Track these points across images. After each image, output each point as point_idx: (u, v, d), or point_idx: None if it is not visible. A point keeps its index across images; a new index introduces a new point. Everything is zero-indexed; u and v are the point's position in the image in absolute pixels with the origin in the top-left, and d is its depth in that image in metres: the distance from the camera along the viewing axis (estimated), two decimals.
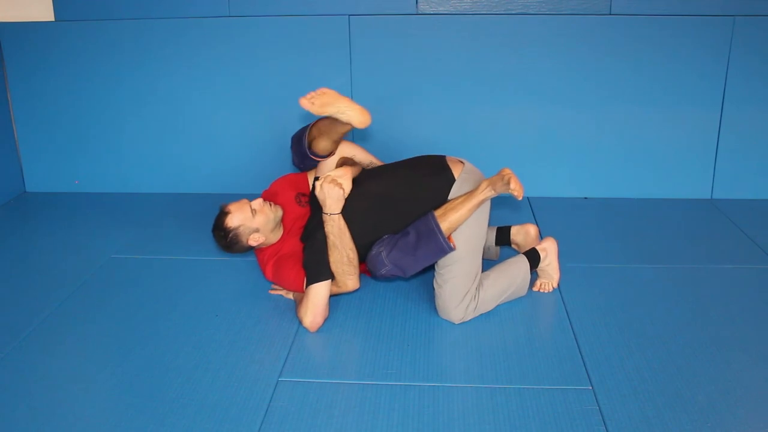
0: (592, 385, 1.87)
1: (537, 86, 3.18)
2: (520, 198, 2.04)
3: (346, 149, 2.40)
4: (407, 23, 3.15)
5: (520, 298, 2.33)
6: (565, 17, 3.09)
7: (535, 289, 2.38)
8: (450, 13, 3.13)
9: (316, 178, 2.21)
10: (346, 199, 2.16)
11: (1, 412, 1.80)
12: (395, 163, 2.38)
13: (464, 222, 2.14)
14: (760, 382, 1.88)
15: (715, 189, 3.27)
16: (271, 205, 2.34)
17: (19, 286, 2.52)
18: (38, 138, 3.46)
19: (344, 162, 2.36)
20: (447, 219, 2.12)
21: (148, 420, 1.76)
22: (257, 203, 2.32)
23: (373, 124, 3.25)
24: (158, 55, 3.27)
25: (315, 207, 2.29)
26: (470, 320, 2.19)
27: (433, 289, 2.22)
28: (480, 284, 2.21)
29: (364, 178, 2.27)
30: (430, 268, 2.25)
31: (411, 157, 2.39)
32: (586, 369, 1.94)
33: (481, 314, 2.22)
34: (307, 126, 2.30)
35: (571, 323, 2.19)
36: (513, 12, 3.11)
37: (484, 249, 2.30)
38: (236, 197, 2.41)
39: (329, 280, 2.16)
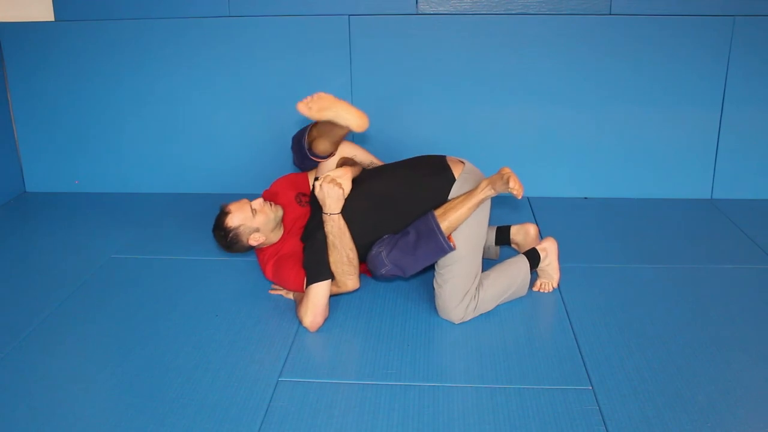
0: (592, 385, 1.87)
1: (537, 86, 3.18)
2: (520, 197, 2.04)
3: (347, 149, 2.40)
4: (407, 23, 3.15)
5: (520, 298, 2.33)
6: (565, 17, 3.09)
7: (535, 289, 2.38)
8: (450, 13, 3.13)
9: (316, 178, 2.21)
10: (346, 199, 2.16)
11: (1, 412, 1.80)
12: (395, 163, 2.38)
13: (464, 221, 2.14)
14: (760, 382, 1.88)
15: (715, 189, 3.27)
16: (271, 204, 2.34)
17: (19, 286, 2.52)
18: (38, 138, 3.46)
19: (344, 162, 2.36)
20: (447, 218, 2.12)
21: (148, 420, 1.76)
22: (257, 203, 2.32)
23: (373, 124, 3.25)
24: (158, 55, 3.27)
25: (315, 207, 2.29)
26: (470, 320, 2.19)
27: (433, 289, 2.22)
28: (480, 284, 2.21)
29: (364, 178, 2.27)
30: (430, 268, 2.25)
31: (411, 157, 2.39)
32: (586, 369, 1.94)
33: (481, 314, 2.22)
34: (307, 126, 2.30)
35: (571, 323, 2.19)
36: (513, 12, 3.11)
37: (484, 249, 2.30)
38: (236, 197, 2.41)
39: (329, 280, 2.16)
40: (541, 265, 2.36)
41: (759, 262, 2.60)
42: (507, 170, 2.09)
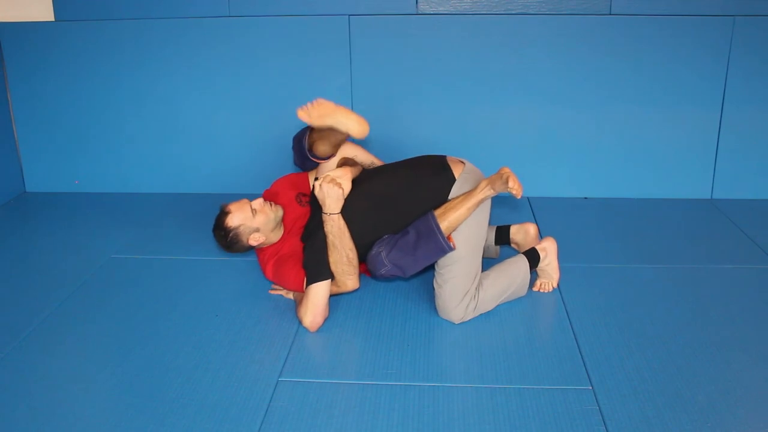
0: (592, 385, 1.87)
1: (537, 86, 3.18)
2: (519, 196, 2.04)
3: (347, 149, 2.40)
4: (407, 23, 3.15)
5: (520, 298, 2.33)
6: (565, 17, 3.09)
7: (534, 289, 2.38)
8: (450, 13, 3.13)
9: (316, 178, 2.21)
10: (346, 199, 2.17)
11: (1, 412, 1.80)
12: (396, 163, 2.38)
13: (464, 221, 2.14)
14: (760, 382, 1.88)
15: (715, 189, 3.27)
16: (271, 204, 2.34)
17: (19, 286, 2.52)
18: (38, 138, 3.46)
19: (344, 162, 2.36)
20: (447, 218, 2.12)
21: (148, 420, 1.76)
22: (258, 203, 2.32)
23: (373, 124, 3.25)
24: (158, 55, 3.27)
25: (315, 207, 2.29)
26: (470, 320, 2.19)
27: (433, 289, 2.22)
28: (480, 284, 2.21)
29: (364, 178, 2.27)
30: (430, 268, 2.25)
31: (411, 157, 2.39)
32: (586, 369, 1.94)
33: (481, 314, 2.22)
34: (308, 127, 2.29)
35: (571, 323, 2.19)
36: (513, 12, 3.11)
37: (483, 248, 2.30)
38: (236, 197, 2.41)
39: (329, 280, 2.16)
40: (540, 264, 2.36)
41: (759, 262, 2.60)
42: (506, 170, 2.09)
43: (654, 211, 3.12)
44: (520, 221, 2.57)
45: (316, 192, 2.16)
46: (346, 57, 3.19)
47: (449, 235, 2.15)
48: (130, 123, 3.39)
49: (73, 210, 3.28)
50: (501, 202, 3.01)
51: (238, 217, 2.29)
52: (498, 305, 2.26)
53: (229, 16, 3.20)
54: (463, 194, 2.16)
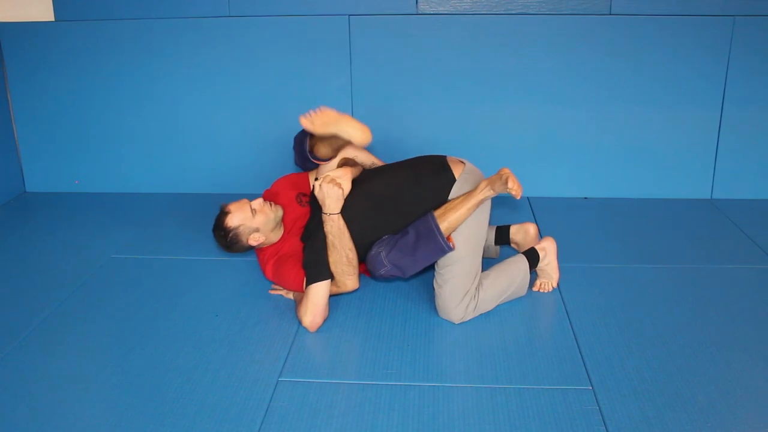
0: (592, 385, 1.87)
1: (537, 86, 3.18)
2: (519, 197, 2.04)
3: (348, 150, 2.40)
4: (407, 23, 3.15)
5: (520, 298, 2.33)
6: (565, 17, 3.09)
7: (534, 288, 2.38)
8: (450, 13, 3.13)
9: (316, 179, 2.21)
10: (346, 199, 2.17)
11: (1, 412, 1.80)
12: (396, 163, 2.38)
13: (464, 222, 2.14)
14: (760, 382, 1.88)
15: (715, 189, 3.27)
16: (271, 205, 2.34)
17: (19, 286, 2.52)
18: (38, 138, 3.46)
19: (345, 162, 2.36)
20: (446, 219, 2.13)
21: (148, 420, 1.76)
22: (257, 203, 2.32)
23: (373, 124, 3.24)
24: (158, 55, 3.27)
25: (315, 207, 2.29)
26: (470, 320, 2.19)
27: (433, 289, 2.22)
28: (480, 284, 2.21)
29: (364, 178, 2.27)
30: (430, 268, 2.25)
31: (411, 157, 2.39)
32: (586, 369, 1.94)
33: (481, 314, 2.22)
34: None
35: (571, 323, 2.19)
36: (513, 12, 3.11)
37: (483, 248, 2.30)
38: (236, 197, 2.41)
39: (329, 280, 2.16)
40: (540, 264, 2.36)
41: (759, 262, 2.60)
42: (506, 171, 2.09)
43: (654, 211, 3.12)
44: (520, 221, 2.57)
45: (316, 192, 2.16)
46: (346, 57, 3.19)
47: (449, 235, 2.15)
48: (130, 123, 3.39)
49: (73, 210, 3.28)
50: (501, 203, 3.01)
51: (237, 217, 2.29)
52: (498, 305, 2.26)
53: (229, 16, 3.20)
54: (463, 195, 2.16)
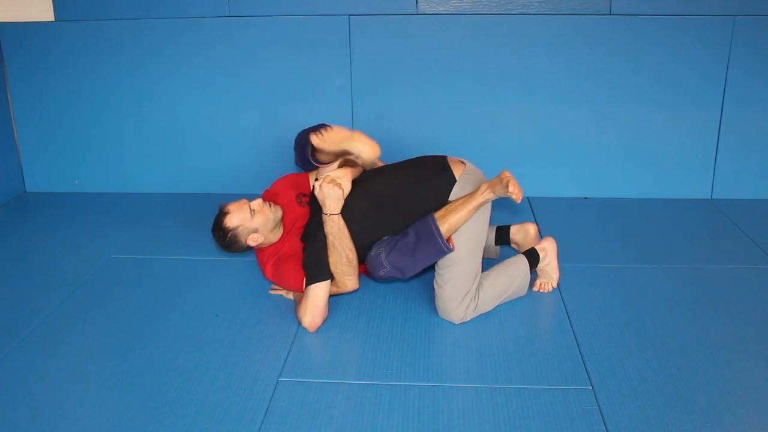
0: (592, 385, 1.87)
1: (537, 86, 3.18)
2: (519, 201, 2.04)
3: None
4: (407, 23, 3.15)
5: (520, 298, 2.33)
6: (565, 17, 3.09)
7: (534, 289, 2.38)
8: (450, 13, 3.13)
9: (316, 179, 2.21)
10: (347, 200, 2.17)
11: (1, 412, 1.80)
12: (396, 163, 2.38)
13: (464, 223, 2.14)
14: (760, 382, 1.88)
15: (715, 189, 3.27)
16: (270, 205, 2.34)
17: (19, 286, 2.52)
18: (38, 138, 3.46)
19: (345, 162, 2.35)
20: (447, 221, 2.12)
21: (148, 420, 1.76)
22: (257, 203, 2.32)
23: (373, 124, 3.26)
24: (158, 55, 3.27)
25: (315, 207, 2.29)
26: (470, 320, 2.19)
27: (433, 289, 2.22)
28: (480, 284, 2.21)
29: (364, 179, 2.27)
30: (430, 269, 2.25)
31: (412, 157, 2.39)
32: (586, 369, 1.94)
33: (481, 314, 2.22)
34: (312, 132, 2.27)
35: (571, 323, 2.19)
36: (513, 12, 3.11)
37: (483, 248, 2.29)
38: (236, 197, 2.41)
39: (329, 281, 2.16)
40: (540, 264, 2.36)
41: (759, 262, 2.60)
42: (507, 174, 2.09)
43: (654, 211, 3.12)
44: (520, 221, 2.57)
45: (316, 192, 2.16)
46: (346, 57, 3.19)
47: (449, 236, 2.14)
48: (130, 123, 3.39)
49: (73, 210, 3.28)
50: (501, 205, 3.00)
51: (236, 218, 2.29)
52: (498, 305, 2.26)
53: (229, 16, 3.20)
54: (464, 197, 2.16)
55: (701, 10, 3.05)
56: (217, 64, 3.25)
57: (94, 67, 3.31)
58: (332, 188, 2.13)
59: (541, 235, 2.55)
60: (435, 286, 2.21)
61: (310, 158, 2.26)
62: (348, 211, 2.16)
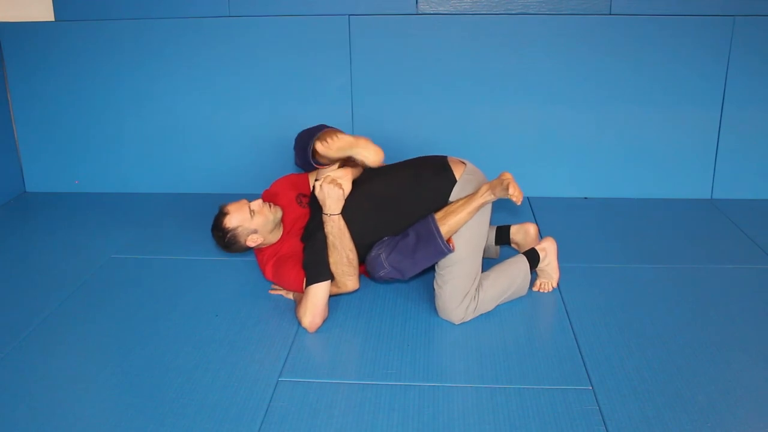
0: (592, 385, 1.87)
1: (537, 86, 3.18)
2: (519, 203, 2.04)
3: None
4: (407, 23, 3.15)
5: (520, 298, 2.33)
6: (565, 17, 3.09)
7: (534, 289, 2.38)
8: (450, 13, 3.13)
9: (316, 179, 2.21)
10: (347, 200, 2.17)
11: (1, 412, 1.80)
12: (396, 163, 2.38)
13: (464, 224, 2.14)
14: (760, 382, 1.88)
15: (715, 189, 3.27)
16: (270, 206, 2.34)
17: (19, 286, 2.52)
18: (38, 138, 3.46)
19: (345, 162, 2.35)
20: (447, 222, 2.12)
21: (148, 420, 1.76)
22: (256, 204, 2.32)
23: (373, 124, 3.26)
24: (158, 55, 3.27)
25: (315, 208, 2.29)
26: (470, 320, 2.19)
27: (433, 289, 2.22)
28: (480, 285, 2.21)
29: (365, 179, 2.27)
30: (431, 269, 2.25)
31: (412, 157, 2.39)
32: (586, 369, 1.94)
33: (481, 314, 2.22)
34: (314, 134, 2.27)
35: (571, 323, 2.19)
36: (513, 12, 3.11)
37: (483, 249, 2.29)
38: (236, 197, 2.41)
39: (329, 281, 2.16)
40: (540, 265, 2.36)
41: (759, 262, 2.60)
42: (507, 176, 2.09)
43: (654, 211, 3.12)
44: (520, 221, 2.57)
45: (317, 192, 2.16)
46: (346, 57, 3.19)
47: (449, 237, 2.14)
48: (130, 123, 3.39)
49: (73, 210, 3.28)
50: (500, 206, 3.00)
51: (236, 218, 2.29)
52: (498, 305, 2.26)
53: (229, 16, 3.20)
54: (464, 198, 2.16)
55: (701, 10, 3.05)
56: (217, 64, 3.25)
57: (94, 67, 3.31)
58: (333, 188, 2.13)
59: (541, 235, 2.55)
60: (435, 286, 2.21)
61: (311, 160, 2.26)
62: (348, 212, 2.16)
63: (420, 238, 2.12)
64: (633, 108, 3.18)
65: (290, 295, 2.36)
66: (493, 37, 3.14)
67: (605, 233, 2.88)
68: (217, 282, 2.51)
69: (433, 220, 2.13)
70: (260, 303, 2.35)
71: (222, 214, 2.32)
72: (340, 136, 2.15)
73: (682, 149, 3.23)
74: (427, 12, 3.14)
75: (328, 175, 2.16)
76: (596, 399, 1.81)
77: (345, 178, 2.17)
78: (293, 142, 2.37)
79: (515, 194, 2.03)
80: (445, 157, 2.30)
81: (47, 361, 2.04)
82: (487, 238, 2.51)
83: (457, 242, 2.14)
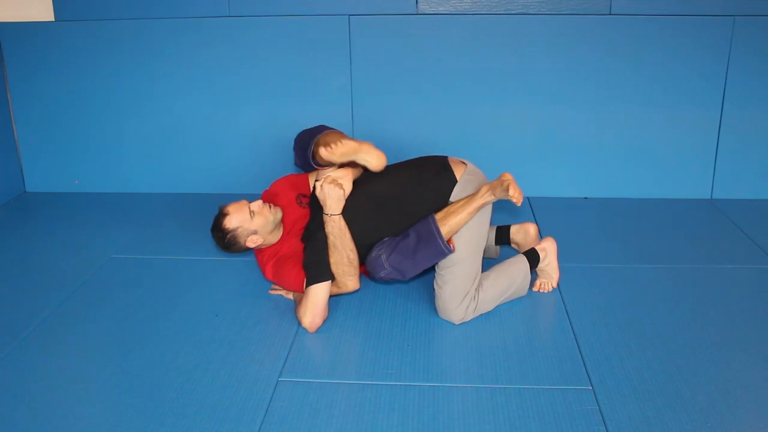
0: (592, 385, 1.87)
1: (537, 86, 3.18)
2: (519, 204, 2.04)
3: None
4: (407, 23, 3.15)
5: (520, 298, 2.33)
6: (565, 17, 3.09)
7: (534, 289, 2.38)
8: (450, 13, 3.13)
9: (317, 179, 2.21)
10: (348, 200, 2.17)
11: (1, 412, 1.80)
12: (397, 163, 2.38)
13: (465, 225, 2.14)
14: (760, 382, 1.88)
15: (715, 189, 3.27)
16: (270, 206, 2.34)
17: (19, 286, 2.52)
18: (38, 138, 3.46)
19: (346, 162, 2.35)
20: (447, 223, 2.12)
21: (148, 420, 1.76)
22: (256, 205, 2.32)
23: (373, 124, 3.26)
24: (158, 55, 3.27)
25: (316, 208, 2.29)
26: (470, 320, 2.19)
27: (433, 289, 2.22)
28: (480, 285, 2.21)
29: (365, 179, 2.27)
30: (431, 269, 2.25)
31: (412, 157, 2.39)
32: (586, 369, 1.94)
33: (481, 314, 2.22)
34: (314, 135, 2.27)
35: (571, 323, 2.19)
36: (513, 12, 3.11)
37: (483, 249, 2.29)
38: (236, 197, 2.41)
39: (329, 281, 2.15)
40: (540, 265, 2.36)
41: (759, 262, 2.60)
42: (508, 177, 2.09)
43: (654, 211, 3.12)
44: (520, 221, 2.57)
45: (317, 193, 2.16)
46: (346, 57, 3.19)
47: (449, 238, 2.15)
48: (130, 123, 3.39)
49: (73, 210, 3.28)
50: (500, 206, 3.00)
51: (236, 219, 2.29)
52: (498, 305, 2.26)
53: (229, 16, 3.20)
54: (465, 199, 2.16)
55: (701, 10, 3.05)
56: (217, 64, 3.25)
57: (94, 67, 3.31)
58: (333, 188, 2.13)
59: (541, 235, 2.55)
60: (435, 286, 2.21)
61: (311, 161, 2.26)
62: (349, 212, 2.16)
63: (420, 238, 2.12)
64: (633, 108, 3.18)
65: (290, 295, 2.36)
66: (493, 37, 3.14)
67: (605, 233, 2.88)
68: (217, 282, 2.51)
69: (434, 220, 2.13)
70: (260, 303, 2.35)
71: (222, 214, 2.32)
72: (343, 141, 2.15)
73: (682, 149, 3.23)
74: (427, 12, 3.14)
75: (329, 176, 2.16)
76: (596, 399, 1.81)
77: (346, 178, 2.17)
78: (293, 143, 2.37)
79: (515, 195, 2.03)
80: (446, 157, 2.30)
81: (47, 361, 2.04)
82: (487, 238, 2.51)
83: (458, 243, 2.14)
